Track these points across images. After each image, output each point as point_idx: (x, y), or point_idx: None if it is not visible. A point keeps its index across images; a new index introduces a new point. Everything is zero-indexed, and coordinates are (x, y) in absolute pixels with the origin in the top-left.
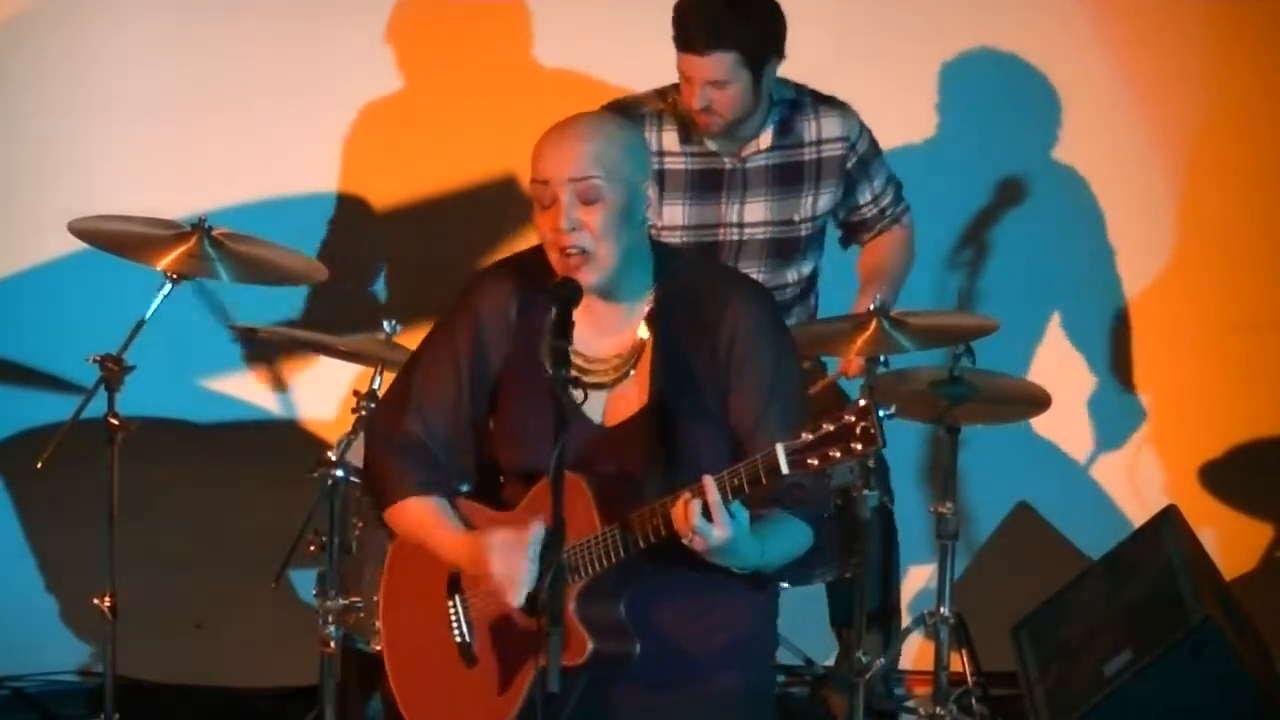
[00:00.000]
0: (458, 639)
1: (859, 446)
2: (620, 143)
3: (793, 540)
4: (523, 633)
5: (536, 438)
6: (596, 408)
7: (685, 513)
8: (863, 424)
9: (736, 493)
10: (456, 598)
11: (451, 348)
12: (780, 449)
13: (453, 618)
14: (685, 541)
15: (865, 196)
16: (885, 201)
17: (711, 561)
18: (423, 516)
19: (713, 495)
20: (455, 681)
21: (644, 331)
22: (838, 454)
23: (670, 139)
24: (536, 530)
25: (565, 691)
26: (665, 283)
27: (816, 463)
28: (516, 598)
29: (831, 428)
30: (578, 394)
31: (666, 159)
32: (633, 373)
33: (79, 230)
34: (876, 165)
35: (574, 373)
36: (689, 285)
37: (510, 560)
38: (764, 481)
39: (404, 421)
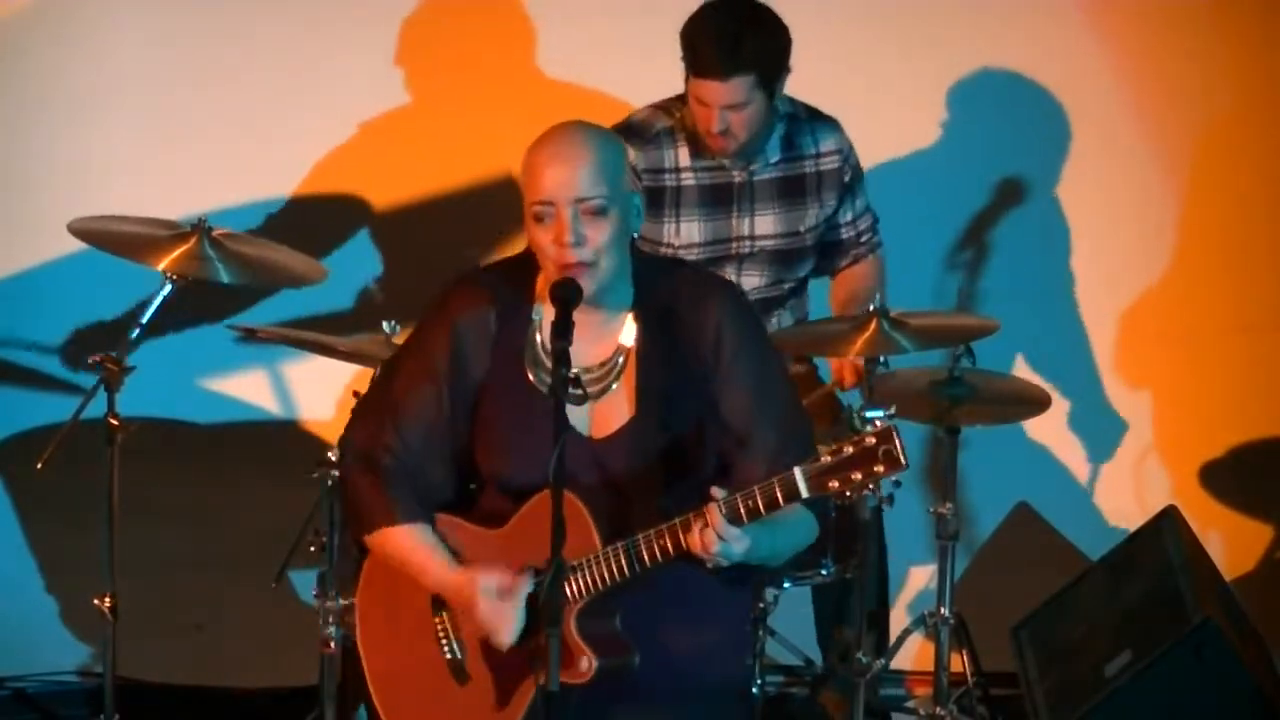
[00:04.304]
0: (448, 655)
1: (881, 468)
2: (616, 155)
3: (798, 532)
4: (519, 647)
5: (523, 451)
6: (583, 420)
7: (703, 540)
8: (885, 446)
9: (752, 515)
10: (444, 613)
11: (429, 359)
12: (798, 472)
13: (441, 634)
14: (708, 562)
15: (846, 216)
16: (863, 227)
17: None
18: (408, 546)
19: (717, 522)
20: (446, 699)
21: (627, 339)
22: (859, 475)
23: (684, 155)
24: (525, 582)
25: (563, 705)
26: (645, 289)
27: (837, 485)
28: (503, 644)
29: (851, 449)
30: (577, 392)
31: (682, 175)
32: (618, 384)
33: (79, 230)
34: (860, 186)
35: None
36: (668, 290)
37: (500, 608)
38: (781, 505)
39: (382, 437)
